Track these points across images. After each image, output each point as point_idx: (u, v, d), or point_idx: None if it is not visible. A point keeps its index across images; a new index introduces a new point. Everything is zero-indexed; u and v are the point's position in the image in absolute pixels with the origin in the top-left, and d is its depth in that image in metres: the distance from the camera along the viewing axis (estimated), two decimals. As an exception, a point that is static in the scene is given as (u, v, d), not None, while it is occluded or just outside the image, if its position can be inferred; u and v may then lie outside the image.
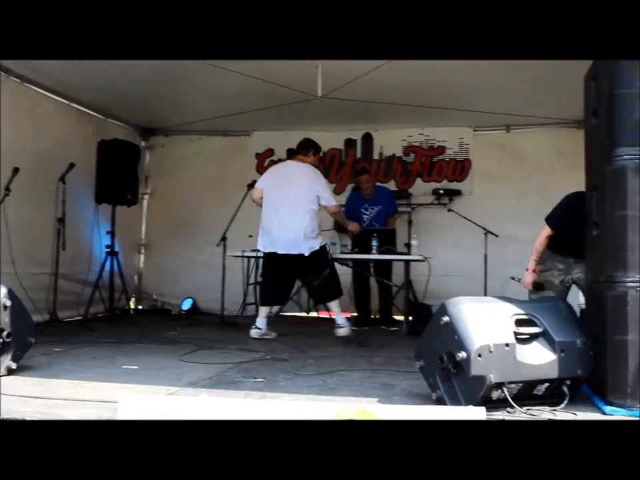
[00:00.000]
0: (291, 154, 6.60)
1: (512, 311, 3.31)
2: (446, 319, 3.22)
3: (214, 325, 6.95)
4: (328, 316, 7.97)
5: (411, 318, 6.67)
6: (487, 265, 7.39)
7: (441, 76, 6.41)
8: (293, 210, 6.03)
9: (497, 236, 7.41)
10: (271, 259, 6.15)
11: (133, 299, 8.37)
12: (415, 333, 6.28)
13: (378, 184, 7.91)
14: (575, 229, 4.05)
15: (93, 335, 5.83)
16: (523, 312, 3.33)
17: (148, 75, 6.43)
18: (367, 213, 7.44)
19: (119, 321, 7.09)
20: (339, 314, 6.17)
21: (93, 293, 6.91)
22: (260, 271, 6.81)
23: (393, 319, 7.28)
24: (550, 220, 4.70)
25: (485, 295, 7.04)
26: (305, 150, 6.33)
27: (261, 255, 6.32)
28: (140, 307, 8.61)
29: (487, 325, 3.18)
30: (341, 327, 6.11)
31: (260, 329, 6.01)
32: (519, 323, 3.27)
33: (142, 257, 8.91)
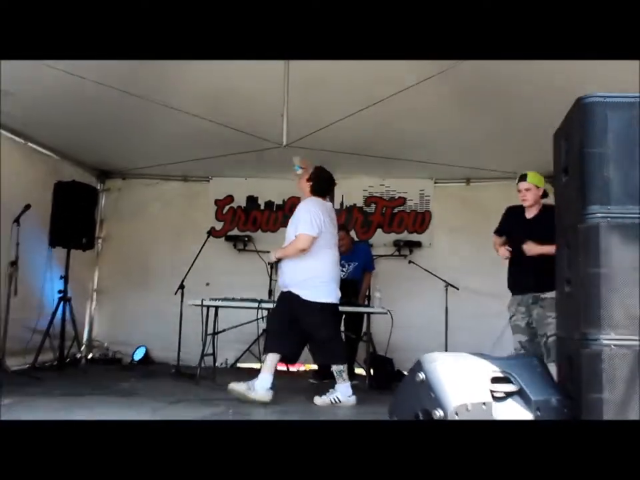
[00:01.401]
0: (321, 193, 5.68)
1: (487, 369, 3.31)
2: (422, 375, 3.20)
3: (169, 376, 6.79)
4: (285, 368, 7.88)
5: (372, 371, 6.62)
6: (448, 317, 7.41)
7: (402, 127, 6.53)
8: (337, 254, 5.65)
9: (457, 289, 7.46)
10: (332, 311, 5.58)
11: (83, 348, 8.13)
12: (377, 387, 6.28)
13: (357, 239, 7.96)
14: (516, 235, 5.08)
15: (44, 385, 5.64)
16: (498, 369, 3.33)
17: (106, 116, 6.39)
18: (344, 269, 7.24)
19: (69, 370, 6.87)
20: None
21: (43, 341, 6.68)
22: (217, 320, 6.71)
23: (354, 372, 7.20)
24: (496, 230, 5.39)
25: (446, 347, 7.08)
26: (332, 194, 5.89)
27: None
28: (90, 356, 8.37)
29: (463, 382, 3.16)
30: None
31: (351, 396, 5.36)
32: (495, 380, 3.26)
33: (93, 303, 8.69)
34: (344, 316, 6.98)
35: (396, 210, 8.44)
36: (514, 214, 5.27)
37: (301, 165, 5.53)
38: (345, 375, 5.38)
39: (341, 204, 8.50)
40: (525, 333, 5.02)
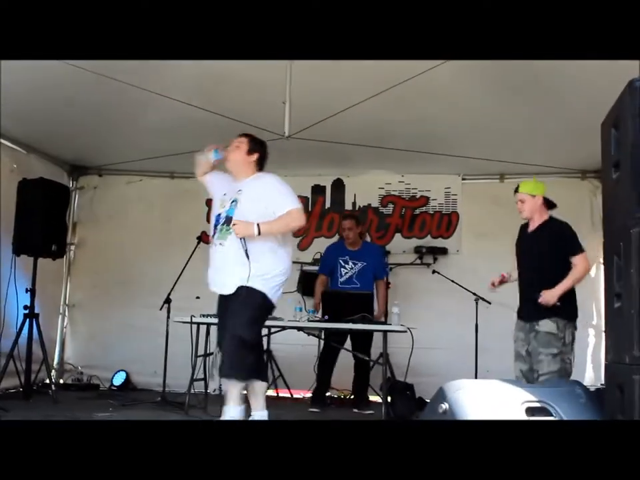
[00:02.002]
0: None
1: (521, 398, 3.29)
2: (445, 406, 3.19)
3: (153, 405, 6.79)
4: (289, 395, 7.90)
5: (389, 399, 6.60)
6: (478, 336, 7.37)
7: (424, 115, 6.51)
8: None
9: (489, 303, 7.43)
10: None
11: (53, 372, 8.15)
12: (395, 417, 6.26)
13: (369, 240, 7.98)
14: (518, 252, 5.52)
15: (7, 416, 5.64)
16: (534, 399, 3.31)
17: (79, 103, 6.39)
18: (347, 267, 7.26)
19: (37, 398, 6.87)
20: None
21: (6, 364, 6.67)
22: (209, 339, 6.69)
23: (369, 400, 7.19)
24: None
25: (476, 372, 7.06)
26: None
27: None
28: (62, 382, 8.39)
29: (493, 414, 3.15)
30: None
31: None
32: (530, 411, 3.25)
33: (65, 320, 8.71)
34: (349, 335, 6.94)
35: (417, 211, 8.44)
36: (522, 230, 5.52)
37: (216, 148, 5.20)
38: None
39: (353, 204, 8.51)
40: (525, 361, 5.21)
